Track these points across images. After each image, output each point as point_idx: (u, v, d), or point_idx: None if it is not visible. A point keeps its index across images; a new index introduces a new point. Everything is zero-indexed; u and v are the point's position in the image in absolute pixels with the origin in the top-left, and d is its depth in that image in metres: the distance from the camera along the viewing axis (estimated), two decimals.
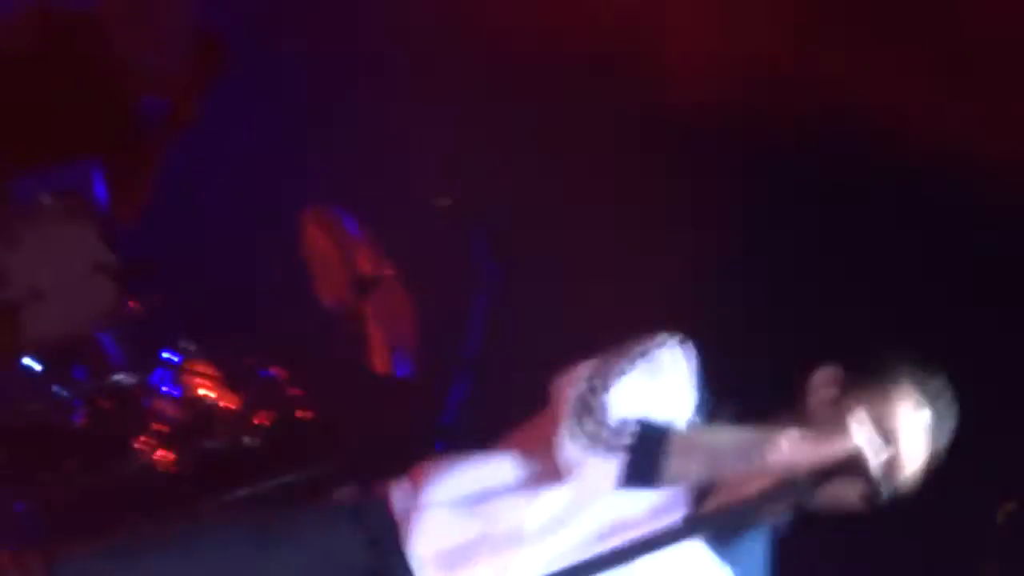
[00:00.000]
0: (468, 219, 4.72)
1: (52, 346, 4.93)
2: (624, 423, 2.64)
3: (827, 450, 2.54)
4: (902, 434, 2.62)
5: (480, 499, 2.79)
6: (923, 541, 4.28)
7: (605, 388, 2.67)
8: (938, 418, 2.69)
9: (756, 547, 2.86)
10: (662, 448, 2.62)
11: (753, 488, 2.65)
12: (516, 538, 2.74)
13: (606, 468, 2.63)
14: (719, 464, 2.61)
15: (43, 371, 4.92)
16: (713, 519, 2.76)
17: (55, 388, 4.92)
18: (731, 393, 2.80)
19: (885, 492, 2.55)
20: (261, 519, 3.02)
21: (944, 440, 2.71)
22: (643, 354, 2.73)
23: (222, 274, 5.33)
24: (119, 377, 4.98)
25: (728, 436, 2.64)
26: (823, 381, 2.75)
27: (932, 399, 2.69)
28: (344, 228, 4.96)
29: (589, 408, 2.65)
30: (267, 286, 5.22)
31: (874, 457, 2.53)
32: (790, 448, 2.55)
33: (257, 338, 5.20)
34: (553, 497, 2.75)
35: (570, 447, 2.66)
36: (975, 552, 4.19)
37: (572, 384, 2.71)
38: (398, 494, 2.88)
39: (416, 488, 2.86)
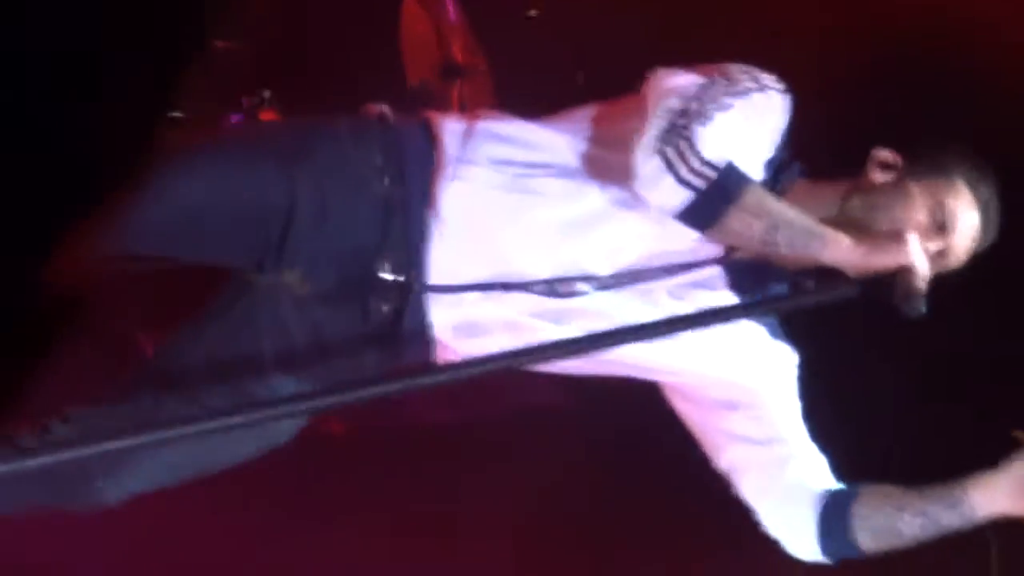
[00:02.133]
0: None
1: None
2: (709, 162, 2.53)
3: (880, 260, 2.51)
4: (954, 227, 2.66)
5: (525, 171, 2.71)
6: None
7: (702, 118, 2.56)
8: (986, 221, 2.71)
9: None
10: (734, 197, 2.53)
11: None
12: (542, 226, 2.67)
13: (673, 194, 2.54)
14: (777, 237, 2.54)
15: None
16: (772, 301, 2.75)
17: None
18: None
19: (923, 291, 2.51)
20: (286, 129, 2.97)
21: (985, 244, 2.74)
22: (747, 91, 2.63)
23: None
24: None
25: (796, 215, 2.56)
26: (884, 158, 2.74)
27: (984, 201, 2.71)
28: (445, 12, 4.91)
29: (679, 134, 2.55)
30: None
31: (923, 268, 2.50)
32: (847, 251, 2.53)
33: None
34: (597, 196, 2.68)
35: (645, 157, 2.56)
36: None
37: (670, 96, 2.61)
38: (447, 128, 2.76)
39: (466, 130, 2.75)
